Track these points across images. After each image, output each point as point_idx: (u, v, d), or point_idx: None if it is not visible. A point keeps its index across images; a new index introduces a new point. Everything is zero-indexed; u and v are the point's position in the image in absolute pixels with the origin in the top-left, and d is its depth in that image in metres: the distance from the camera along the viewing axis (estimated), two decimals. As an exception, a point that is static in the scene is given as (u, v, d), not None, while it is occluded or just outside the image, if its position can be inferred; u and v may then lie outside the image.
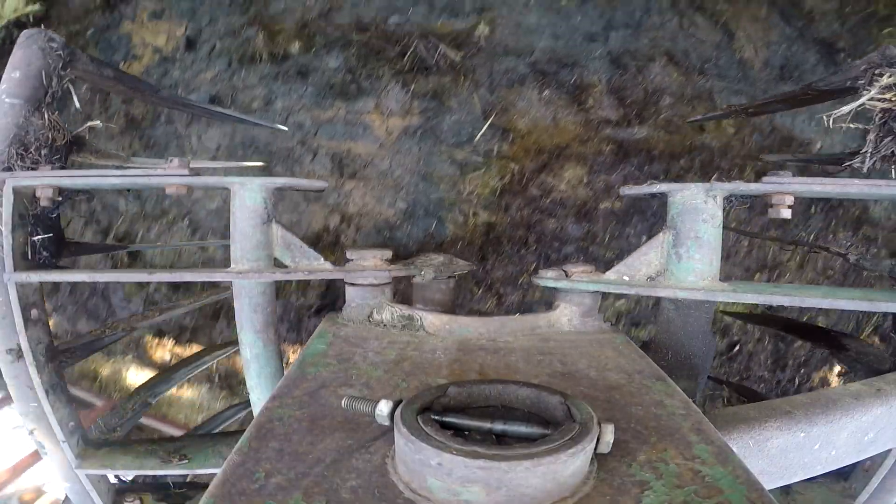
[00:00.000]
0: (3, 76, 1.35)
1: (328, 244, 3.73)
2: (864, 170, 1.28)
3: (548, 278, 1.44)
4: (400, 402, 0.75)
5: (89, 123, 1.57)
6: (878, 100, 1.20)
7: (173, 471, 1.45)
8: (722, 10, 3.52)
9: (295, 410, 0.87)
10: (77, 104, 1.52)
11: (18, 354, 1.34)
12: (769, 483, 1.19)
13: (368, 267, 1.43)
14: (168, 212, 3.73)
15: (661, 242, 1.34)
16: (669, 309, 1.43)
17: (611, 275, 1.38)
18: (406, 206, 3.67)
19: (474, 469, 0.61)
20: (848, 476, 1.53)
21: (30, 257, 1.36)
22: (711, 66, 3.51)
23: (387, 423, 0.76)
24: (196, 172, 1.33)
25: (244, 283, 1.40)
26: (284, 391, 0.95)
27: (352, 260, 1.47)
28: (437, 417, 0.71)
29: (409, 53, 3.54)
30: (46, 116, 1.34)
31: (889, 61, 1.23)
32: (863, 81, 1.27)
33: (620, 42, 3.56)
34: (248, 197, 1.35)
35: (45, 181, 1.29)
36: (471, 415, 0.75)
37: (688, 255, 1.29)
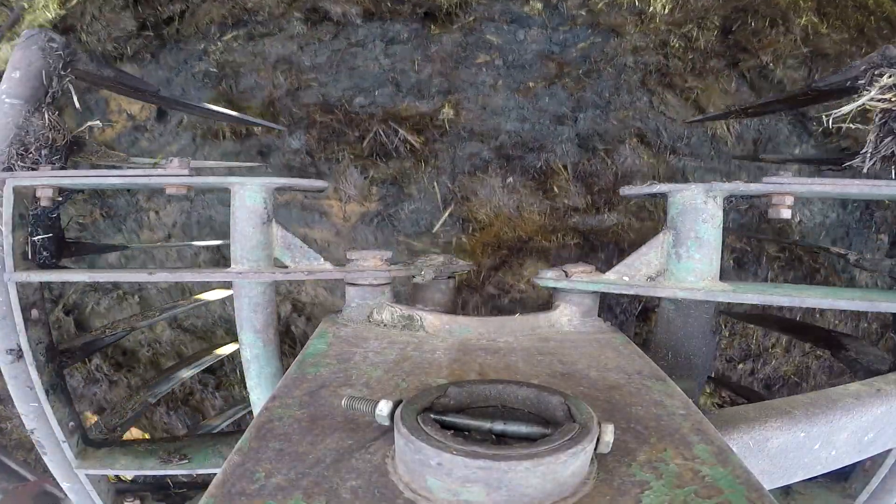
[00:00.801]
0: (4, 76, 1.35)
1: (279, 333, 3.73)
2: (865, 170, 1.28)
3: (548, 278, 1.44)
4: (400, 402, 0.75)
5: (89, 123, 1.57)
6: (879, 100, 1.20)
7: (173, 471, 1.45)
8: (692, 86, 3.42)
9: (295, 410, 0.87)
10: (77, 104, 1.52)
11: (19, 354, 1.35)
12: (770, 483, 1.19)
13: (368, 267, 1.43)
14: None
15: (661, 242, 1.34)
16: (669, 309, 1.43)
17: (611, 275, 1.39)
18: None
19: (474, 469, 0.61)
20: (848, 476, 1.53)
21: (30, 257, 1.37)
22: (683, 144, 3.40)
23: (387, 423, 0.76)
24: (196, 173, 1.33)
25: (244, 283, 1.40)
26: (284, 391, 0.95)
27: (352, 260, 1.48)
28: (436, 417, 0.71)
29: (368, 138, 3.44)
30: (47, 116, 1.34)
31: (889, 61, 1.23)
32: (862, 82, 1.27)
33: (590, 123, 3.44)
34: (248, 197, 1.35)
35: (46, 181, 1.29)
36: (471, 415, 0.75)
37: (688, 255, 1.30)
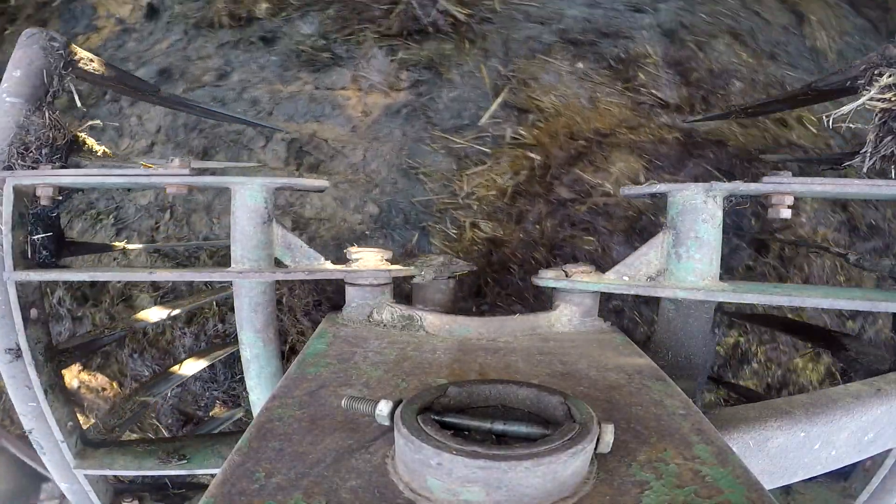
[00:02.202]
0: (5, 75, 1.35)
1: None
2: (865, 170, 1.29)
3: (548, 278, 1.44)
4: (400, 402, 0.75)
5: (90, 123, 1.58)
6: (878, 99, 1.20)
7: (172, 471, 1.44)
8: None
9: (295, 410, 0.87)
10: (78, 103, 1.51)
11: (17, 354, 1.34)
12: (770, 483, 1.19)
13: (369, 267, 1.43)
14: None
15: (661, 242, 1.35)
16: (669, 309, 1.43)
17: (611, 275, 1.39)
18: (379, 210, 2.87)
19: (474, 469, 0.61)
20: (848, 476, 1.53)
21: (29, 256, 1.36)
22: (781, 51, 2.90)
23: (387, 422, 0.76)
24: (198, 172, 1.33)
25: (244, 282, 1.40)
26: (284, 391, 0.95)
27: (352, 259, 1.48)
28: (437, 417, 0.71)
29: (397, 10, 2.77)
30: (47, 115, 1.33)
31: (889, 61, 1.23)
32: (862, 81, 1.27)
33: (673, 14, 2.89)
34: (248, 196, 1.35)
35: (47, 180, 1.28)
36: (471, 415, 0.75)
37: (688, 254, 1.30)
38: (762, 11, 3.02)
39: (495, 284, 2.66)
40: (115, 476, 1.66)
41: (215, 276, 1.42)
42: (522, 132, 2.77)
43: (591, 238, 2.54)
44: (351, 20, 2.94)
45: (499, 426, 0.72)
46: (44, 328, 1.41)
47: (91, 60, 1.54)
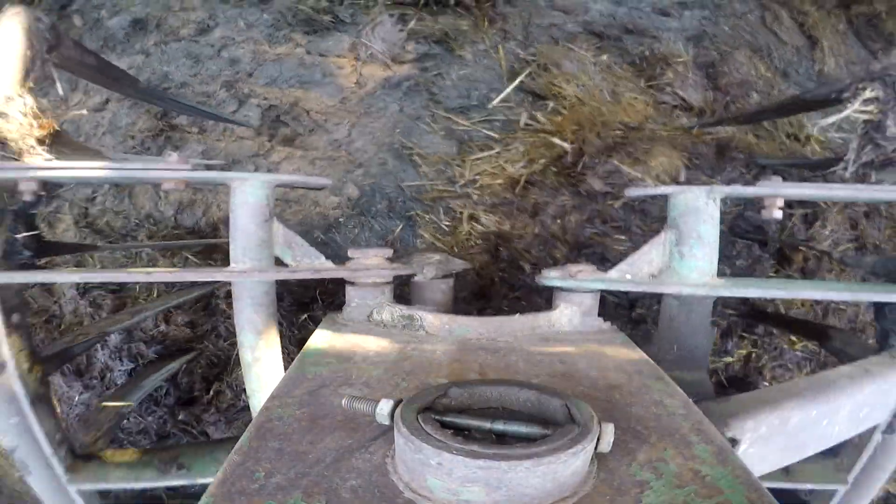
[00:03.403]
0: None
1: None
2: (848, 174, 1.39)
3: (553, 278, 1.45)
4: (400, 401, 0.75)
5: (75, 112, 1.48)
6: (861, 111, 1.31)
7: (171, 482, 1.36)
8: (808, 11, 3.01)
9: (295, 410, 0.87)
10: (61, 91, 1.43)
11: (2, 367, 1.20)
12: (790, 458, 1.28)
13: (372, 266, 1.43)
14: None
15: (663, 241, 1.40)
16: (673, 305, 1.48)
17: (614, 273, 1.42)
18: (359, 193, 2.61)
19: (474, 469, 0.61)
20: (838, 452, 1.59)
21: (10, 257, 1.24)
22: (793, 71, 2.97)
23: (387, 422, 0.76)
24: (197, 168, 1.28)
25: (245, 282, 1.36)
26: (284, 390, 0.95)
27: (353, 259, 1.47)
28: (437, 417, 0.71)
29: None
30: (29, 103, 1.20)
31: (872, 76, 1.33)
32: (847, 94, 1.38)
33: (697, 22, 2.91)
34: (249, 193, 1.32)
35: (31, 174, 1.17)
36: (471, 415, 0.75)
37: (690, 253, 1.35)
38: (780, 32, 3.06)
39: (502, 284, 2.47)
40: (103, 491, 1.49)
41: (215, 275, 1.39)
42: (542, 118, 2.60)
43: (623, 237, 2.38)
44: (363, -19, 2.76)
45: (499, 426, 0.72)
46: (26, 334, 1.28)
47: (76, 45, 1.43)
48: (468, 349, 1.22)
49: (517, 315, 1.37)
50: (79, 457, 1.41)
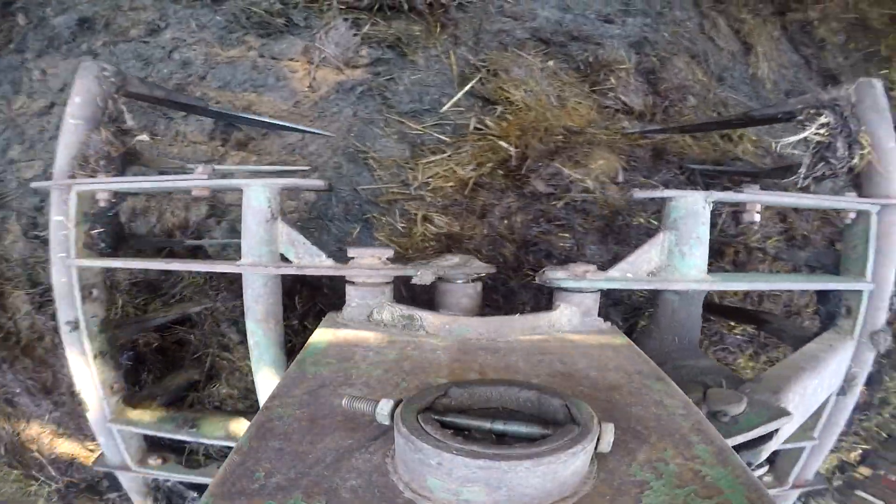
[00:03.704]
0: (68, 101, 1.60)
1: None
2: (799, 185, 1.60)
3: (558, 278, 1.45)
4: (400, 401, 0.75)
5: (138, 137, 1.78)
6: (816, 134, 1.54)
7: (182, 436, 1.67)
8: (744, 19, 3.18)
9: (295, 410, 0.87)
10: (129, 122, 1.73)
11: (75, 326, 1.61)
12: (798, 423, 1.50)
13: (372, 266, 1.43)
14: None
15: (662, 241, 1.49)
16: (674, 300, 1.63)
17: (615, 272, 1.47)
18: (315, 198, 2.64)
19: (474, 469, 0.61)
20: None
21: (91, 247, 1.63)
22: (728, 75, 3.15)
23: (387, 422, 0.76)
24: (220, 176, 1.50)
25: (249, 275, 1.50)
26: (284, 390, 0.95)
27: (352, 258, 1.48)
28: (437, 417, 0.71)
29: None
30: (104, 133, 1.59)
31: (822, 104, 1.57)
32: (801, 117, 1.59)
33: (639, 29, 3.03)
34: (254, 197, 1.47)
35: (100, 186, 1.55)
36: (471, 415, 0.75)
37: (691, 252, 1.47)
38: (717, 38, 3.22)
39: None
40: (146, 437, 1.82)
41: (226, 267, 1.55)
42: (490, 123, 2.67)
43: (567, 235, 2.48)
44: (320, -15, 2.73)
45: (499, 426, 0.72)
46: (101, 305, 1.67)
47: (141, 83, 1.81)
48: (468, 349, 1.22)
49: (517, 315, 1.37)
50: (128, 405, 1.76)
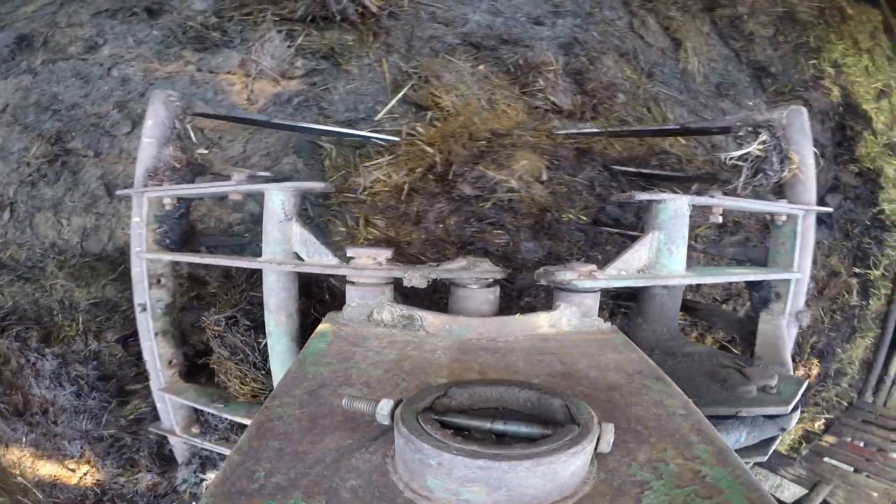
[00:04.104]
0: (143, 124, 1.90)
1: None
2: (738, 192, 1.84)
3: (567, 279, 1.46)
4: (400, 401, 0.75)
5: (198, 151, 2.01)
6: (757, 149, 1.78)
7: (213, 410, 1.88)
8: (672, 16, 3.29)
9: (295, 409, 0.87)
10: (193, 138, 1.98)
11: (144, 308, 1.93)
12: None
13: (371, 266, 1.44)
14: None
15: (651, 241, 1.62)
16: (662, 294, 1.80)
17: (611, 271, 1.54)
18: (261, 207, 2.82)
19: (474, 469, 0.61)
20: None
21: (159, 243, 1.93)
22: (658, 71, 3.23)
23: (387, 422, 0.76)
24: (253, 181, 1.71)
25: (265, 271, 1.65)
26: (284, 390, 0.95)
27: (353, 258, 1.48)
28: (437, 417, 0.71)
29: None
30: (171, 149, 1.88)
31: (757, 124, 1.81)
32: (740, 133, 1.84)
33: (569, 30, 3.09)
34: (270, 200, 1.61)
35: (161, 193, 1.85)
36: (471, 415, 0.75)
37: (678, 250, 1.63)
38: (646, 35, 3.29)
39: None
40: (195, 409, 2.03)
41: (249, 263, 1.70)
42: (420, 129, 2.70)
43: (501, 232, 2.53)
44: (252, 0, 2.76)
45: (499, 426, 0.72)
46: (167, 292, 1.98)
47: (204, 104, 2.11)
48: (468, 349, 1.22)
49: (517, 315, 1.37)
50: (178, 377, 2.04)
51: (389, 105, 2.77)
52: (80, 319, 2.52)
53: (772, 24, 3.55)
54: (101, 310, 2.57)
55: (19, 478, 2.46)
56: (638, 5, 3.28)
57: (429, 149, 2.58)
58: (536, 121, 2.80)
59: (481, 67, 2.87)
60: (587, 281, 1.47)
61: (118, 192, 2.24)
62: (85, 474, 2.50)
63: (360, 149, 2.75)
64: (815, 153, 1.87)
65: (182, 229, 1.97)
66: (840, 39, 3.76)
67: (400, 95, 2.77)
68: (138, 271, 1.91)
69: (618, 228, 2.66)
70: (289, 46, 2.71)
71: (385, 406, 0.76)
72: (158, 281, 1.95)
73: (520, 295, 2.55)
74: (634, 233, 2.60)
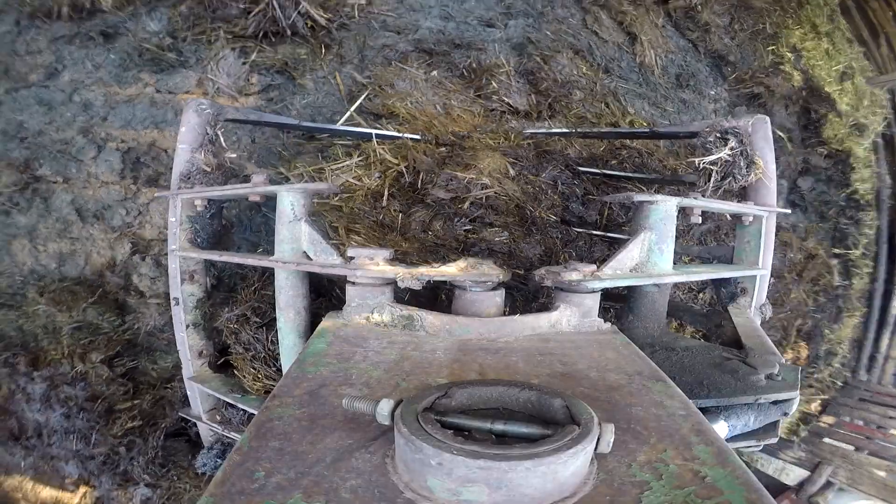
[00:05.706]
0: (179, 130, 2.02)
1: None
2: (706, 195, 1.92)
3: (572, 279, 1.46)
4: (400, 401, 0.75)
5: (227, 155, 2.11)
6: (727, 154, 1.89)
7: (230, 399, 1.98)
8: (626, 10, 3.31)
9: (295, 409, 0.87)
10: (223, 143, 2.09)
11: (177, 301, 2.05)
12: None
13: (371, 266, 1.44)
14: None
15: (643, 241, 1.67)
16: (653, 292, 1.86)
17: (607, 271, 1.56)
18: (231, 224, 2.69)
19: (475, 469, 0.61)
20: None
21: (192, 241, 2.04)
22: (615, 66, 3.27)
23: (387, 422, 0.76)
24: (270, 183, 1.76)
25: (276, 269, 1.71)
26: (284, 390, 0.95)
27: (353, 258, 1.48)
28: (437, 417, 0.71)
29: (257, 10, 2.61)
30: (202, 154, 2.00)
31: (725, 130, 1.92)
32: (709, 139, 1.93)
33: (521, 30, 3.13)
34: (282, 201, 1.66)
35: (192, 195, 1.95)
36: (471, 415, 0.75)
37: (668, 249, 1.69)
38: (600, 31, 3.30)
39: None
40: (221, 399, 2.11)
41: (261, 262, 1.75)
42: (376, 144, 2.76)
43: (497, 228, 2.56)
44: (204, 18, 2.73)
45: (499, 426, 0.72)
46: (199, 287, 2.11)
47: (235, 111, 2.24)
48: (468, 349, 1.22)
49: (517, 315, 1.37)
50: (207, 367, 2.17)
51: (345, 116, 2.79)
52: (65, 343, 2.56)
53: (727, 13, 3.60)
54: (84, 332, 2.62)
55: (23, 502, 2.47)
56: (590, 2, 3.32)
57: (392, 160, 2.61)
58: (493, 123, 2.85)
59: (434, 73, 2.91)
60: (593, 281, 1.47)
61: (156, 194, 2.37)
62: (84, 494, 2.51)
63: (322, 151, 2.77)
64: (782, 136, 1.94)
65: (214, 229, 2.09)
66: (798, 24, 3.81)
67: (355, 106, 2.80)
68: (173, 267, 2.03)
69: (582, 227, 2.72)
70: (243, 63, 2.75)
71: (385, 406, 0.76)
72: (191, 277, 2.07)
73: (534, 297, 2.56)
74: (598, 232, 2.71)
